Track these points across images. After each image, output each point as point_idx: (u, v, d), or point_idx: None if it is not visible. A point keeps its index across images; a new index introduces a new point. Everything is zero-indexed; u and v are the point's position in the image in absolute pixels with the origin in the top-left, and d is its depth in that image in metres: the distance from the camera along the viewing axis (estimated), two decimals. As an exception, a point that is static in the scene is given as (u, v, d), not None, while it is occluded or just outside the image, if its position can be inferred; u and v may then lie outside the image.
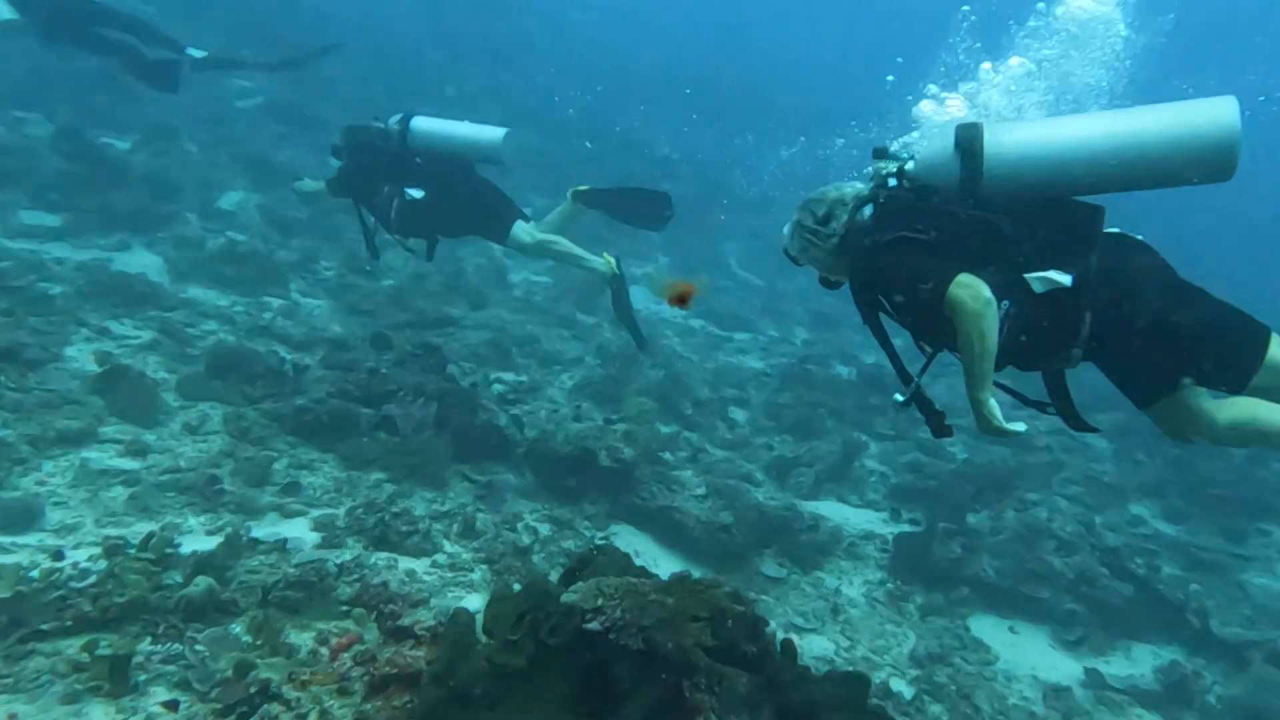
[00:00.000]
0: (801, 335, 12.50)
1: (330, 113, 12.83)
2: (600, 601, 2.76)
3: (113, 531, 4.27)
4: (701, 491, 6.51)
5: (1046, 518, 6.80)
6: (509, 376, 7.79)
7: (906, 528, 7.10)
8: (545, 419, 6.65)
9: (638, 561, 5.69)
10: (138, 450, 5.04)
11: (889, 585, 6.30)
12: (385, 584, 3.95)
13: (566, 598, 2.81)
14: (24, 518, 4.18)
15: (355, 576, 4.00)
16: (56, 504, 4.41)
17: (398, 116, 5.79)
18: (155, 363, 6.14)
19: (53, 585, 3.27)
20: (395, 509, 4.60)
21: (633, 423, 7.10)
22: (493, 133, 5.64)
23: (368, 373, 5.94)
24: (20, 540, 4.05)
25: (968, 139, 2.78)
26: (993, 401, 2.71)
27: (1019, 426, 2.75)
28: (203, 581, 3.47)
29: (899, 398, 2.97)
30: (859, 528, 7.08)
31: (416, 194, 5.74)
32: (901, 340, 3.01)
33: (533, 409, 7.01)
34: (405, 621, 3.24)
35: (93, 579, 3.31)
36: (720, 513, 6.13)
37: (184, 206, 9.05)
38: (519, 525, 5.35)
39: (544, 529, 5.48)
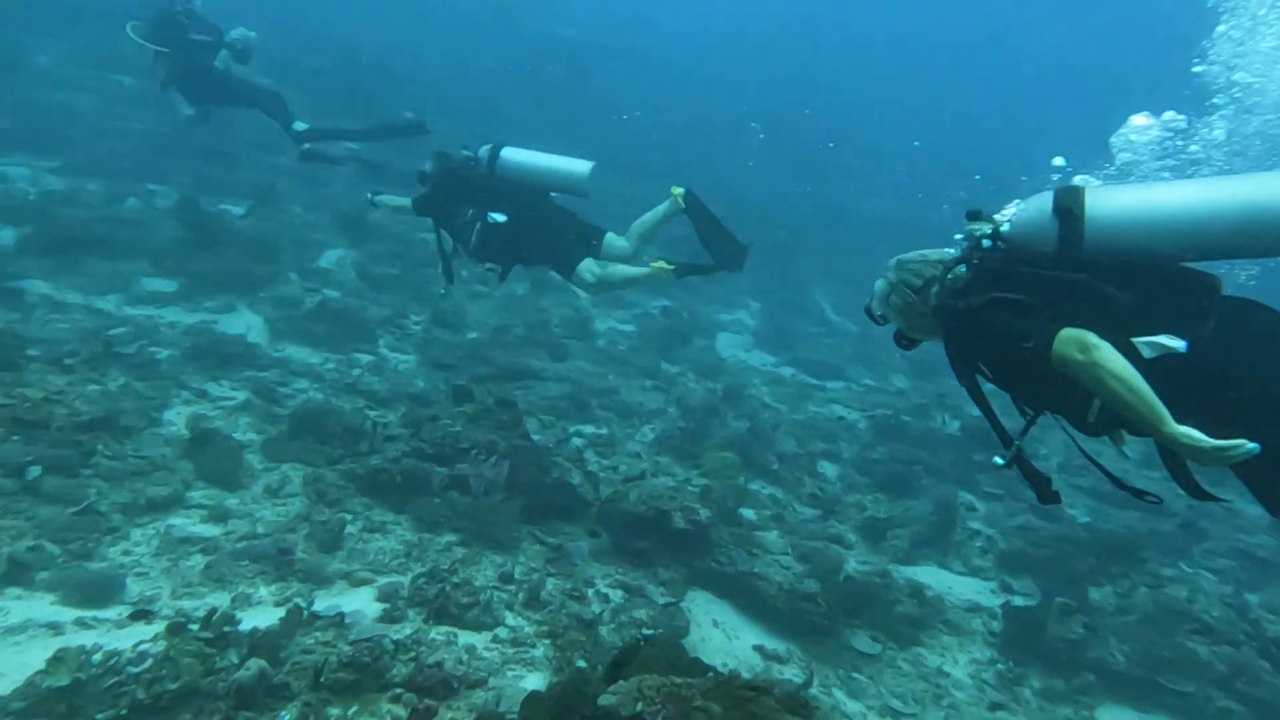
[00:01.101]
0: (899, 384, 11.89)
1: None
2: (640, 706, 2.55)
3: (186, 604, 4.35)
4: (785, 555, 6.15)
5: (1187, 597, 6.06)
6: (588, 430, 7.68)
7: (1018, 601, 6.47)
8: (622, 475, 6.46)
9: (716, 631, 5.54)
10: (219, 516, 5.16)
11: (1000, 666, 5.72)
12: (440, 664, 3.83)
13: (604, 699, 2.60)
14: (105, 591, 4.30)
15: (411, 655, 3.89)
16: (139, 575, 4.53)
17: (488, 146, 6.01)
18: (245, 424, 6.34)
19: (110, 671, 3.29)
20: (456, 579, 4.49)
21: (713, 479, 6.83)
22: (580, 165, 5.80)
23: (441, 431, 5.92)
24: (100, 615, 4.16)
25: (1068, 202, 2.72)
26: (1186, 429, 2.40)
27: (1242, 444, 2.35)
28: (254, 665, 3.43)
29: (999, 460, 2.84)
30: (963, 598, 6.52)
31: (499, 218, 5.84)
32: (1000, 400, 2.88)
33: (611, 464, 6.84)
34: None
35: (149, 663, 3.32)
36: (805, 580, 5.76)
37: (285, 266, 9.49)
38: (589, 592, 5.16)
39: (615, 596, 5.27)
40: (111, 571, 4.45)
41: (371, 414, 6.82)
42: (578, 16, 30.44)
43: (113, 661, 3.36)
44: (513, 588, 4.93)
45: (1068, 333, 2.52)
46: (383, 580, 4.76)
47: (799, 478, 7.86)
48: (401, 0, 27.68)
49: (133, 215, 9.83)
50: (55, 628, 4.03)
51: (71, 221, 8.81)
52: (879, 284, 3.19)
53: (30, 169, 10.55)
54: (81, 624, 4.09)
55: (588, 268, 5.89)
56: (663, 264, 5.76)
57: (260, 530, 5.08)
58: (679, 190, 5.93)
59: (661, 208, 6.03)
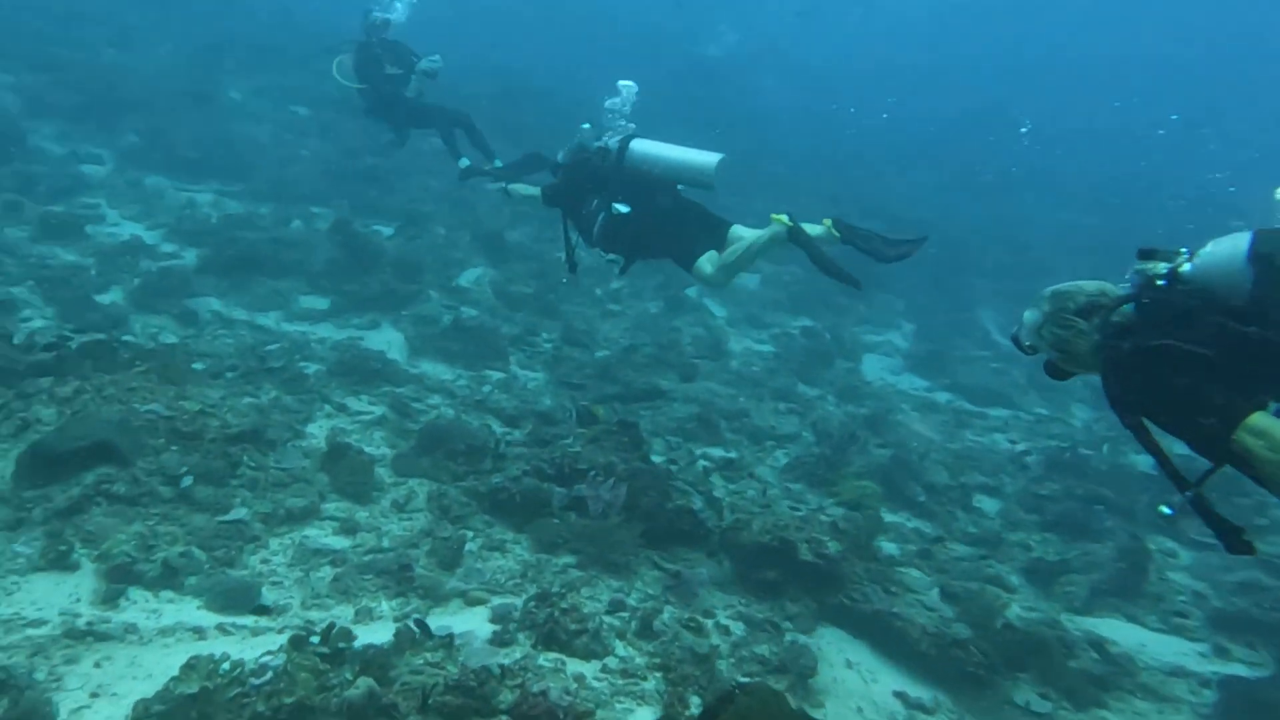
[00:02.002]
0: (1081, 415, 10.88)
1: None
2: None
3: (315, 615, 4.59)
4: (932, 595, 5.73)
5: None
6: (716, 453, 7.53)
7: (1239, 669, 5.69)
8: (749, 502, 6.27)
9: (850, 673, 5.22)
10: (350, 529, 5.44)
11: (1214, 743, 5.03)
12: (545, 693, 3.80)
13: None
14: (243, 598, 4.60)
15: (517, 681, 3.89)
16: (274, 584, 4.82)
17: (618, 137, 6.02)
18: (380, 438, 6.69)
19: (235, 681, 3.49)
20: (565, 604, 4.47)
21: (849, 509, 6.50)
22: (708, 158, 5.69)
23: (561, 451, 5.98)
24: (238, 621, 4.46)
25: (1270, 249, 2.53)
26: None
27: None
28: (364, 684, 3.53)
29: (1165, 510, 2.76)
30: (1161, 659, 5.83)
31: (622, 209, 5.82)
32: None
33: (738, 489, 6.67)
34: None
35: (269, 676, 3.49)
36: (955, 623, 5.33)
37: (427, 285, 10.00)
38: (708, 624, 5.01)
39: (737, 629, 5.09)
40: (250, 580, 4.76)
41: (497, 431, 7.01)
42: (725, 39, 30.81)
43: (237, 672, 3.56)
44: (625, 615, 4.86)
45: (1258, 423, 2.39)
46: (497, 601, 4.83)
47: (951, 512, 7.34)
48: (551, 26, 28.94)
49: (296, 237, 10.71)
50: (199, 631, 4.33)
51: (244, 243, 9.70)
52: (1029, 315, 3.13)
53: (215, 194, 11.76)
54: (221, 629, 4.38)
55: (708, 259, 5.78)
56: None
57: (386, 544, 5.30)
58: (826, 222, 5.49)
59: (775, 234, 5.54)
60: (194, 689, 3.53)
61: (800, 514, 5.84)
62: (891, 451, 7.78)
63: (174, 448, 5.32)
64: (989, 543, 7.01)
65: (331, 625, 4.00)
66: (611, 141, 6.00)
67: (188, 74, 15.66)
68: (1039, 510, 7.52)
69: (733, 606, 5.28)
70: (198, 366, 6.99)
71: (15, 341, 6.12)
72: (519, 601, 4.80)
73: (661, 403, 8.17)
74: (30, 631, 4.04)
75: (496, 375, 8.45)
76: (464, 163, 9.03)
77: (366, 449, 6.31)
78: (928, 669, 5.17)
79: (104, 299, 8.08)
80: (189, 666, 3.69)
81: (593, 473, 5.81)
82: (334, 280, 9.62)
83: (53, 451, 4.93)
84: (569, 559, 5.39)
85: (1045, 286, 3.17)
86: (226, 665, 3.69)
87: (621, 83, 6.66)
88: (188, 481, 5.16)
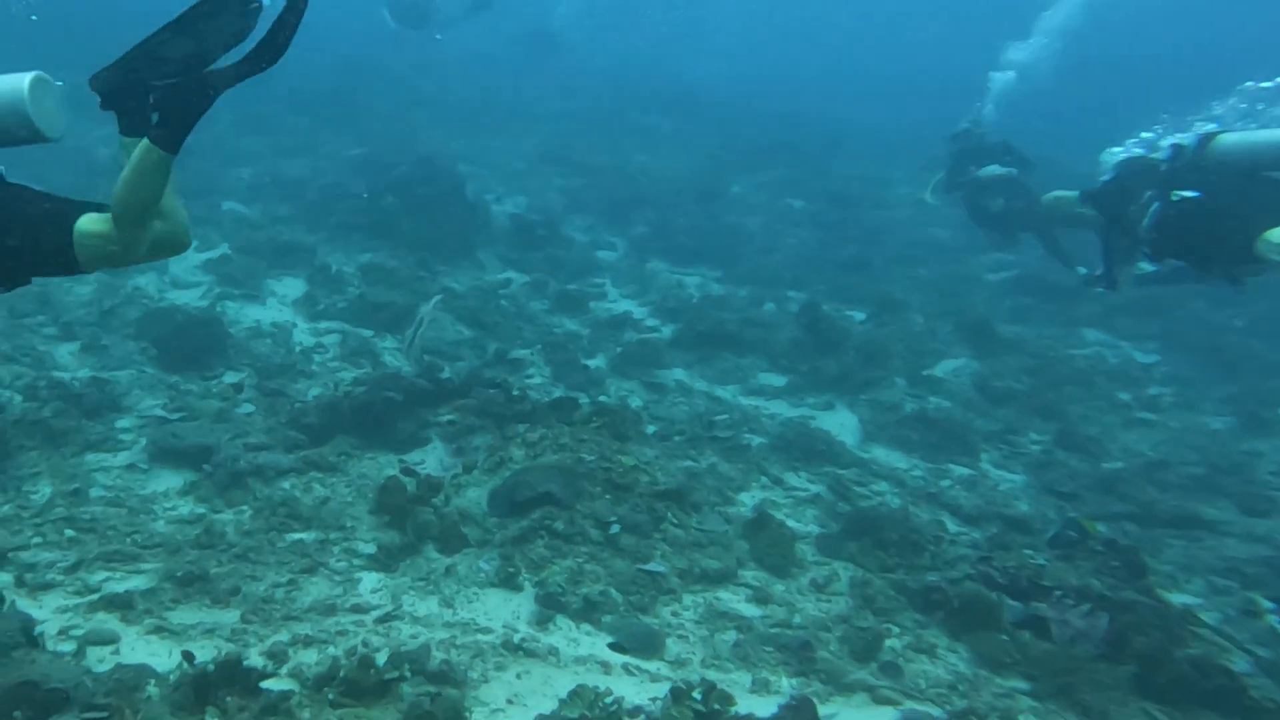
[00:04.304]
0: None
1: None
2: None
3: (713, 674, 4.66)
4: None
5: None
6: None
7: None
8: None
9: None
10: (763, 598, 5.46)
11: None
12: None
13: None
14: (649, 644, 4.92)
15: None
16: (680, 637, 5.07)
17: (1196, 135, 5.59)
18: (811, 516, 6.66)
19: (611, 716, 3.71)
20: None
21: None
22: None
23: (1018, 559, 5.24)
24: (642, 665, 4.77)
25: None
26: None
27: None
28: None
29: None
30: None
31: (1189, 194, 5.31)
32: None
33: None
34: None
35: (642, 718, 3.64)
36: None
37: (892, 372, 9.82)
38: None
39: None
40: (659, 628, 5.07)
41: (951, 530, 6.45)
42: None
43: (615, 708, 3.78)
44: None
45: None
46: (910, 705, 4.35)
47: None
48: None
49: (767, 318, 11.48)
50: (606, 666, 4.74)
51: (716, 321, 10.71)
52: None
53: (702, 278, 13.27)
54: (626, 669, 4.73)
55: None
56: None
57: (796, 620, 5.19)
58: None
59: None
60: (575, 715, 3.83)
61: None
62: None
63: (607, 496, 5.95)
64: None
65: (714, 686, 4.02)
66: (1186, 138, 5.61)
67: (698, 174, 18.17)
68: None
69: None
70: (650, 429, 7.81)
71: (514, 394, 7.50)
72: (940, 713, 4.26)
73: (1205, 535, 6.73)
74: (479, 637, 4.85)
75: (962, 471, 7.84)
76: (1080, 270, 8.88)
77: (793, 524, 6.32)
78: None
79: (591, 362, 9.55)
80: (575, 694, 4.05)
81: (1058, 592, 4.96)
82: (794, 360, 10.02)
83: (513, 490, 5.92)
84: (1020, 684, 4.68)
85: None
86: (609, 699, 3.94)
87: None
88: (616, 529, 5.71)
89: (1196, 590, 6.26)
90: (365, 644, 4.55)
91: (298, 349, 8.78)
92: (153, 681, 3.85)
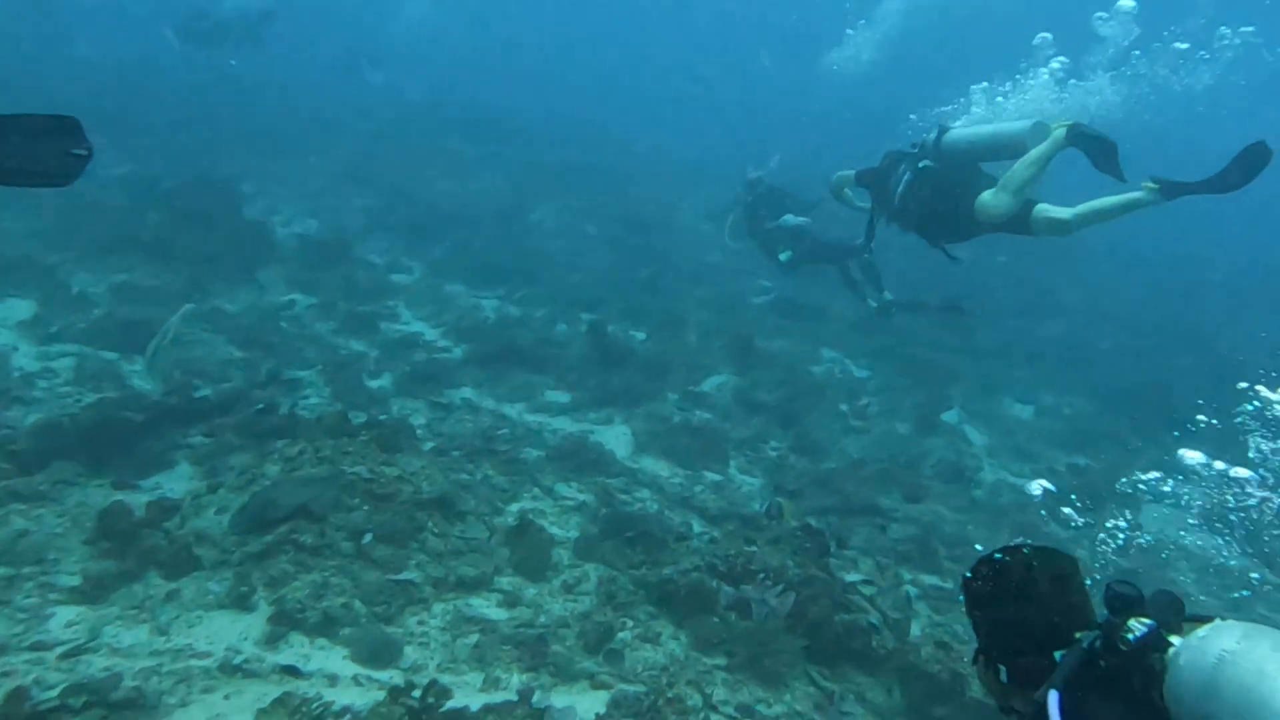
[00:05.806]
0: None
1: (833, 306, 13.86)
2: None
3: (446, 677, 4.95)
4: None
5: None
6: (928, 579, 6.90)
7: None
8: (954, 638, 5.63)
9: None
10: (512, 602, 5.82)
11: None
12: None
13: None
14: (385, 654, 5.13)
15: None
16: (420, 644, 5.31)
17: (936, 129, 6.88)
18: (575, 523, 7.11)
19: (316, 718, 3.94)
20: (670, 693, 4.36)
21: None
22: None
23: (736, 549, 5.91)
24: (374, 675, 4.97)
25: None
26: None
27: None
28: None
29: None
30: None
31: (930, 164, 6.62)
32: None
33: (943, 622, 6.01)
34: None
35: (348, 717, 3.90)
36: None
37: (667, 387, 10.52)
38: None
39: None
40: (399, 637, 5.29)
41: (696, 529, 7.09)
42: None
43: (320, 711, 4.01)
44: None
45: None
46: (624, 688, 4.85)
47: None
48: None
49: (559, 337, 11.94)
50: (332, 679, 4.87)
51: (509, 341, 11.04)
52: None
53: (500, 300, 13.56)
54: (355, 680, 4.91)
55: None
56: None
57: (541, 621, 5.59)
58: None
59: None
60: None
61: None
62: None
63: (365, 507, 6.13)
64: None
65: (433, 683, 4.34)
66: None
67: (502, 196, 18.43)
68: None
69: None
70: (428, 445, 8.03)
71: (281, 412, 7.53)
72: (642, 690, 4.77)
73: (880, 520, 7.75)
74: (191, 662, 4.79)
75: (713, 477, 8.57)
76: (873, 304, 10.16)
77: (556, 531, 6.75)
78: None
79: (375, 382, 9.64)
80: (279, 702, 4.21)
81: (762, 575, 5.65)
82: (580, 377, 10.52)
83: (263, 507, 5.92)
84: (720, 660, 5.27)
85: None
86: (315, 704, 4.17)
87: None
88: (369, 539, 5.90)
89: (868, 569, 6.90)
90: (37, 681, 4.39)
91: (16, 374, 7.97)
92: None
